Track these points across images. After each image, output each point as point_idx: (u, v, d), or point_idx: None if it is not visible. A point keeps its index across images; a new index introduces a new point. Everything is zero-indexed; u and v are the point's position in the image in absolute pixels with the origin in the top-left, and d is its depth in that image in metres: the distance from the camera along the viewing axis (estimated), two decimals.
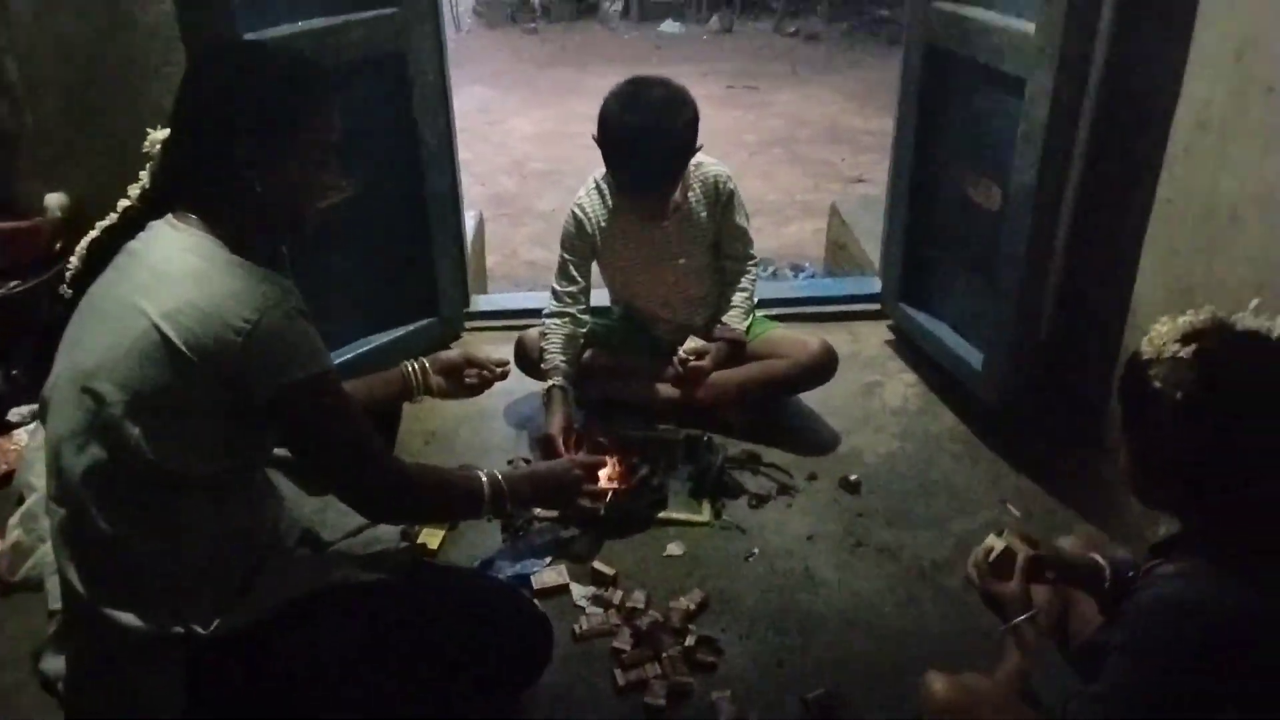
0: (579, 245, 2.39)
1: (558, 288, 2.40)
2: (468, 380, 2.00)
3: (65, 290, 1.49)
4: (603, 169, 2.33)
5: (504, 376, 2.05)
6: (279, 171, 1.40)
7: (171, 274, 1.34)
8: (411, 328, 2.69)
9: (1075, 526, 2.09)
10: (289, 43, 2.14)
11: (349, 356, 2.52)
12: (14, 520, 2.01)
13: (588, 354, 2.46)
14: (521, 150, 6.00)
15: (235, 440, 1.40)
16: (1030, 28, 2.05)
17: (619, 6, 8.84)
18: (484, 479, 1.61)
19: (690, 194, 2.36)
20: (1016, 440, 2.35)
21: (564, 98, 6.95)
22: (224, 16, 2.02)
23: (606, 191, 2.37)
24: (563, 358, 2.34)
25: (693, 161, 2.29)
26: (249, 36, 2.07)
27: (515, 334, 2.67)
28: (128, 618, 1.38)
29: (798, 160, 5.72)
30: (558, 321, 2.37)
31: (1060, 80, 2.00)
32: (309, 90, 1.43)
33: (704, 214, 2.39)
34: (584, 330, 2.41)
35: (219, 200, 1.40)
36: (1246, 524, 1.23)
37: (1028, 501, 2.20)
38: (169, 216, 1.41)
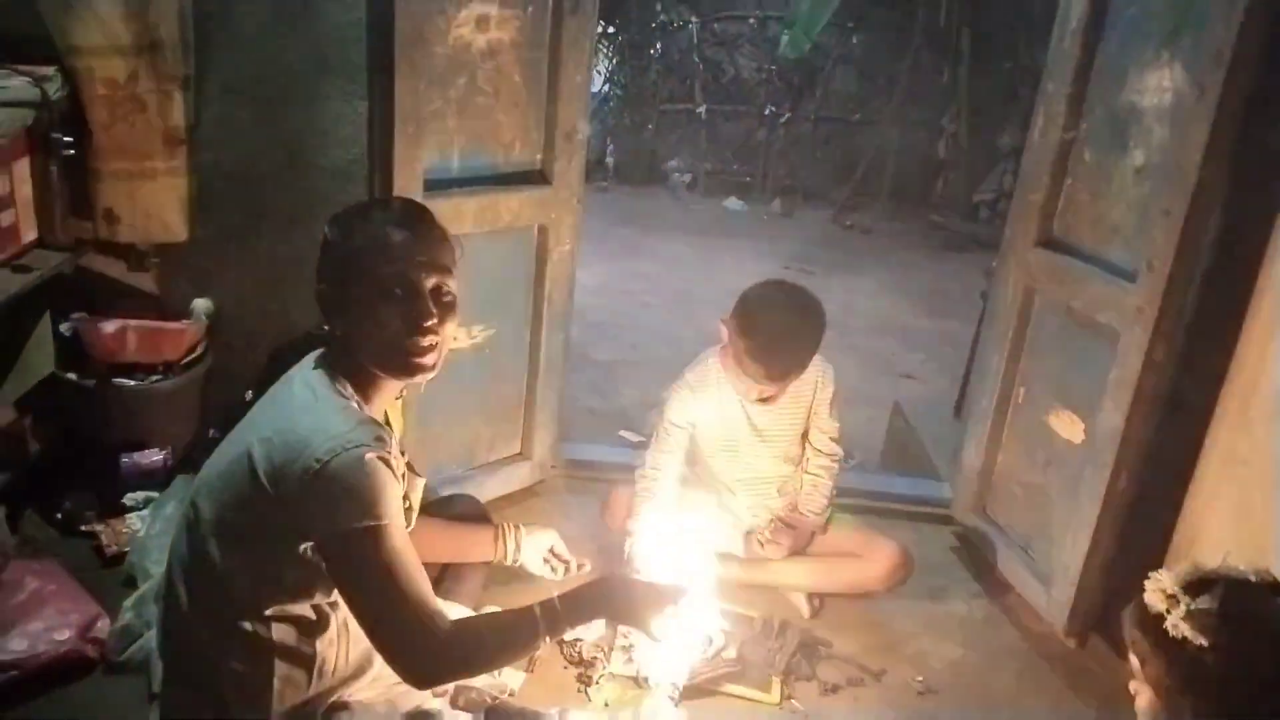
0: (680, 419, 2.53)
1: (657, 454, 2.54)
2: (548, 562, 2.04)
3: (250, 395, 1.63)
4: (709, 350, 2.51)
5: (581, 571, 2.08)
6: (345, 316, 1.48)
7: (278, 403, 1.46)
8: (505, 470, 2.83)
9: None
10: (461, 210, 2.37)
11: (450, 491, 2.65)
12: (128, 603, 2.12)
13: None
14: (584, 301, 6.20)
15: (299, 578, 1.45)
16: (1130, 287, 2.26)
17: (687, 178, 9.31)
18: (537, 611, 1.53)
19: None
20: (1081, 670, 2.42)
21: (627, 256, 7.25)
22: (410, 175, 2.26)
23: (718, 370, 2.52)
24: (653, 519, 2.46)
25: None
26: (428, 198, 2.30)
27: (592, 484, 2.82)
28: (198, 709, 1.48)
29: (849, 348, 5.90)
30: (650, 486, 2.50)
31: (1155, 339, 2.19)
32: (366, 244, 1.47)
33: (800, 403, 2.54)
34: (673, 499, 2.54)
35: (339, 335, 1.51)
36: None
37: None
38: (318, 352, 1.53)
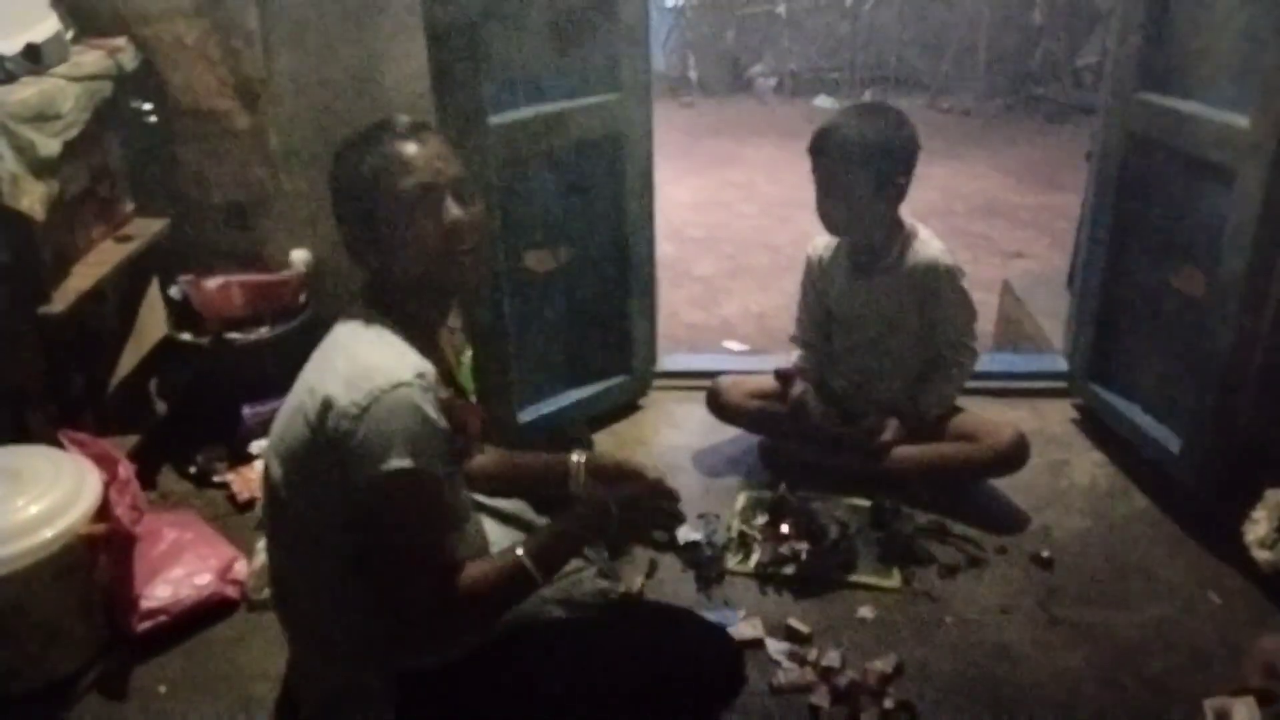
0: (805, 286, 2.62)
1: (799, 323, 2.67)
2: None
3: None
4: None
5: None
6: (377, 247, 1.46)
7: (328, 350, 1.46)
8: (606, 384, 2.85)
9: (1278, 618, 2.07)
10: (528, 125, 2.36)
11: (549, 410, 2.70)
12: (261, 544, 2.22)
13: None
14: (680, 217, 6.19)
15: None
16: (1244, 121, 2.09)
17: (773, 82, 9.04)
18: (521, 556, 1.47)
19: (901, 266, 2.44)
20: (1217, 528, 2.30)
21: (719, 168, 7.14)
22: (474, 100, 2.24)
23: (839, 241, 2.53)
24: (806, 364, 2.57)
25: (921, 235, 2.44)
26: (494, 119, 2.29)
27: (697, 394, 2.81)
28: (325, 665, 1.52)
29: (956, 233, 5.71)
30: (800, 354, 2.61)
31: (1274, 173, 2.02)
32: (381, 165, 1.43)
33: (912, 289, 2.45)
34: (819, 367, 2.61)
35: (376, 268, 1.48)
36: None
37: (1229, 591, 2.16)
38: (361, 300, 1.51)
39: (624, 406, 2.93)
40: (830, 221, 2.41)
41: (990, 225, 5.91)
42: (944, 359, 2.51)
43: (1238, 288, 2.15)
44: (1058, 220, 5.44)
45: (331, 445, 1.35)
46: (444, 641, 1.49)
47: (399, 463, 1.32)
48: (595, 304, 2.76)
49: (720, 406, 2.62)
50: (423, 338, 1.51)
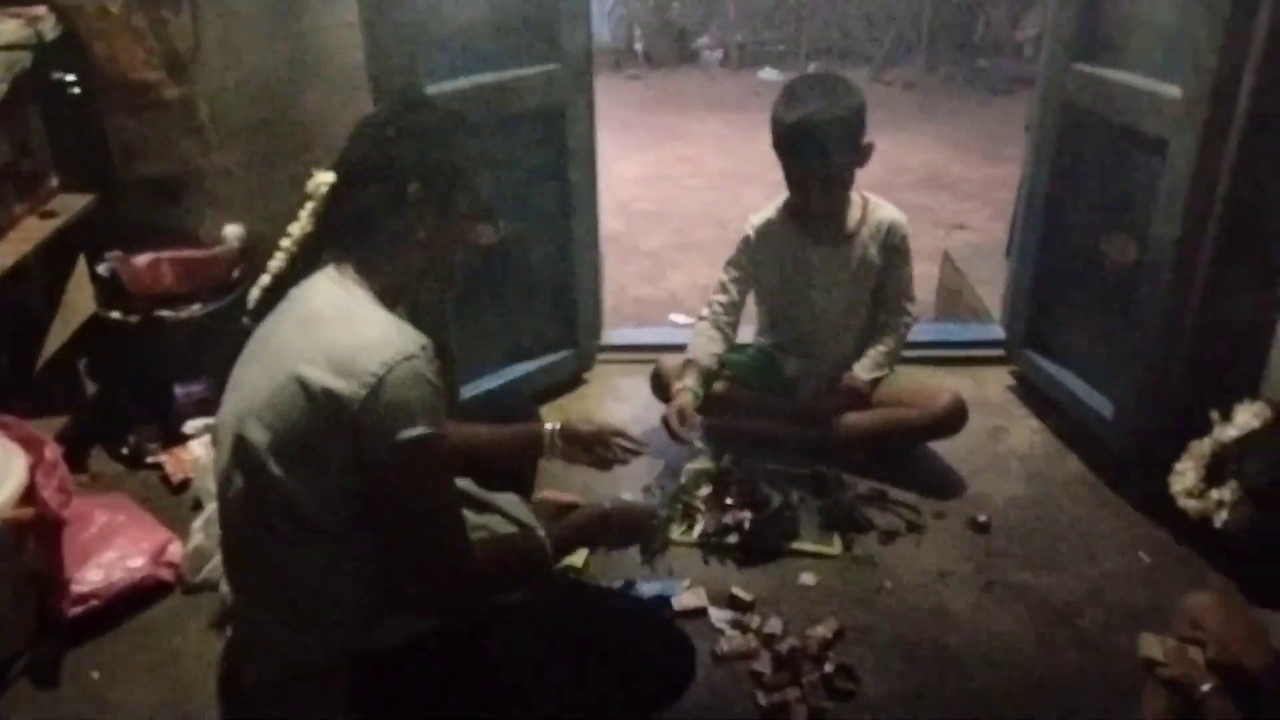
0: (742, 261, 2.55)
1: (712, 298, 2.57)
2: (602, 454, 2.05)
3: (247, 322, 1.55)
4: (782, 197, 2.47)
5: (638, 455, 2.09)
6: (444, 224, 1.47)
7: (317, 324, 1.40)
8: (550, 359, 2.83)
9: (1207, 576, 2.13)
10: (465, 95, 2.31)
11: (494, 385, 2.68)
12: (196, 525, 2.18)
13: (721, 386, 2.56)
14: (627, 192, 6.16)
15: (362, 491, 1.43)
16: (1175, 90, 2.13)
17: (719, 54, 9.02)
18: (546, 542, 1.58)
19: (864, 229, 2.46)
20: (1148, 490, 2.35)
21: (667, 141, 7.12)
22: (409, 70, 2.20)
23: (782, 213, 2.50)
24: (702, 354, 2.49)
25: (873, 199, 2.46)
26: (430, 89, 2.25)
27: (642, 367, 2.81)
28: (283, 640, 1.47)
29: (899, 206, 5.77)
30: (705, 325, 2.55)
31: (1204, 142, 2.06)
32: (480, 153, 1.53)
33: (872, 253, 2.47)
34: (727, 341, 2.55)
35: (380, 246, 1.46)
36: None
37: (1159, 549, 2.23)
38: (329, 268, 1.46)
39: (569, 381, 2.93)
40: (814, 208, 2.41)
41: (933, 197, 5.97)
42: (884, 323, 2.54)
43: (1168, 255, 2.20)
44: (999, 191, 5.50)
45: (339, 418, 1.34)
46: (458, 602, 1.49)
47: (419, 429, 1.35)
48: (539, 278, 2.74)
49: (664, 388, 2.61)
50: (402, 313, 1.51)
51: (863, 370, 2.52)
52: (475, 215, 1.52)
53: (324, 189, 1.48)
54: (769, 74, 8.58)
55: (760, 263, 2.54)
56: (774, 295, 2.60)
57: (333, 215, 1.48)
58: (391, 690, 1.49)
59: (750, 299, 2.65)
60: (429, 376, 1.37)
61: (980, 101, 7.86)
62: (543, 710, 1.55)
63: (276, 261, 1.51)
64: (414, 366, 1.35)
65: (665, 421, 2.39)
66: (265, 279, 1.52)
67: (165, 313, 2.55)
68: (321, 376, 1.34)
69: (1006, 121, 6.92)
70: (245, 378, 1.45)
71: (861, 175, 2.44)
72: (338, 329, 1.38)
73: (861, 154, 2.35)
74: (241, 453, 1.40)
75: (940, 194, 6.04)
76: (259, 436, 1.38)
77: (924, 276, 4.40)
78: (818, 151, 2.27)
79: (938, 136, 7.11)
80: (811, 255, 2.49)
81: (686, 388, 2.43)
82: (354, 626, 1.46)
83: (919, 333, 3.31)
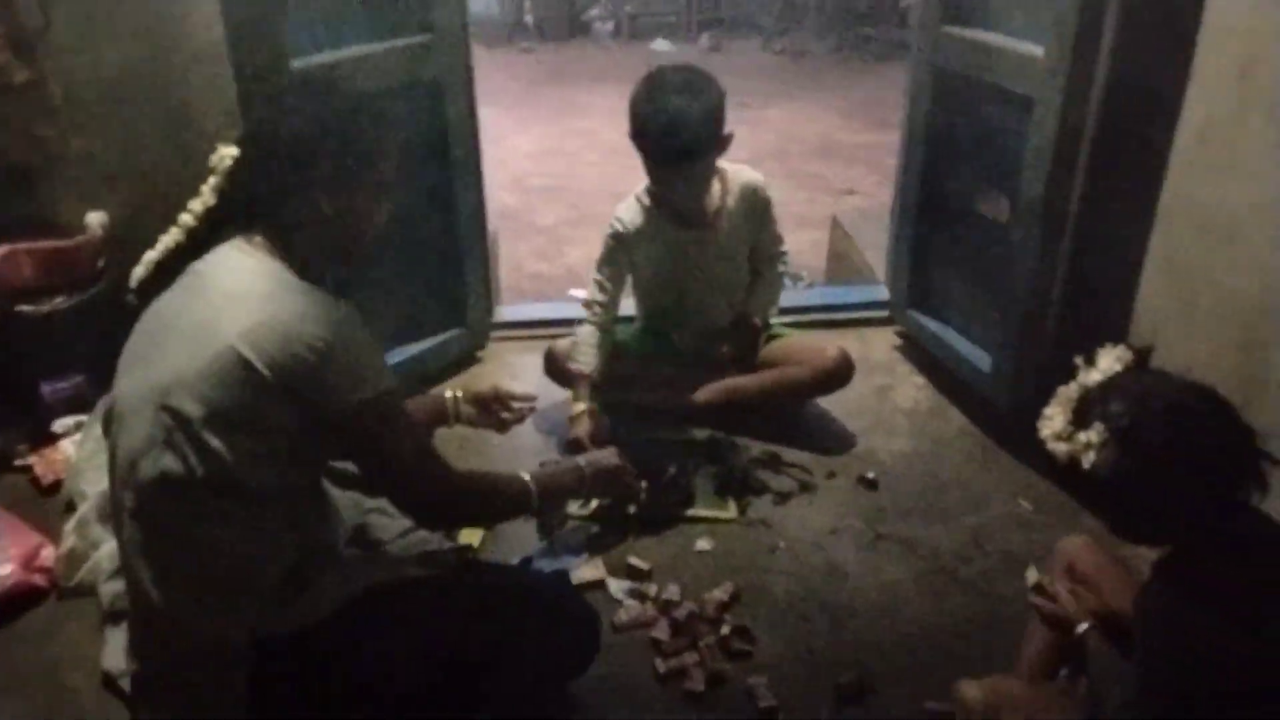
0: (616, 257, 2.49)
1: (590, 298, 2.51)
2: (502, 415, 2.13)
3: (132, 300, 1.53)
4: (643, 184, 2.44)
5: (533, 410, 2.23)
6: (350, 199, 1.49)
7: (245, 296, 1.40)
8: (440, 338, 2.78)
9: (1081, 519, 2.22)
10: (334, 69, 2.24)
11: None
12: (69, 527, 2.09)
13: (613, 361, 2.56)
14: (521, 167, 6.11)
15: (304, 454, 1.46)
16: (1039, 51, 2.18)
17: (610, 26, 8.98)
18: (529, 479, 1.71)
19: (729, 199, 2.46)
20: (1026, 439, 2.43)
21: (561, 115, 7.07)
22: (274, 42, 2.12)
23: (647, 203, 2.47)
24: (591, 366, 2.45)
25: (731, 169, 2.43)
26: (296, 64, 2.17)
27: (537, 343, 2.79)
28: (199, 625, 1.45)
29: (791, 174, 5.85)
30: (588, 330, 2.48)
31: (1068, 99, 2.13)
32: (384, 129, 1.54)
33: (742, 221, 2.48)
34: (611, 339, 2.51)
35: (288, 223, 1.47)
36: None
37: (1039, 496, 2.31)
38: (236, 240, 1.47)
39: (462, 360, 2.88)
40: (675, 200, 2.41)
41: (824, 164, 6.08)
42: (761, 272, 2.58)
43: (1038, 211, 2.26)
44: (887, 157, 5.56)
45: (284, 388, 1.36)
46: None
47: (376, 386, 1.42)
48: (423, 256, 2.68)
49: (557, 371, 2.59)
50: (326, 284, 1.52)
51: (752, 309, 2.56)
52: (382, 191, 1.53)
53: (228, 163, 1.49)
54: (661, 45, 8.60)
55: (634, 257, 2.50)
56: (652, 282, 2.58)
57: (239, 190, 1.49)
58: (294, 675, 1.47)
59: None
60: (368, 338, 1.44)
61: (867, 69, 8.02)
62: (449, 689, 1.55)
63: (171, 236, 1.51)
64: (355, 331, 1.41)
65: (575, 444, 2.34)
66: (153, 254, 1.51)
67: (26, 307, 2.43)
68: (265, 348, 1.35)
69: (893, 87, 7.05)
70: (160, 354, 1.42)
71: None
72: (272, 302, 1.39)
73: (720, 145, 2.33)
74: (169, 426, 1.38)
75: (831, 161, 6.15)
76: (193, 408, 1.36)
77: (818, 243, 4.49)
78: (676, 148, 2.24)
79: (828, 105, 7.23)
80: (683, 240, 2.47)
81: (584, 410, 2.40)
82: (269, 606, 1.45)
83: (808, 297, 3.38)
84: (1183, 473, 1.30)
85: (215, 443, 1.37)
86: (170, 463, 1.38)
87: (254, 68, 2.09)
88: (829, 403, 2.62)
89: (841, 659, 1.89)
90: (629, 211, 2.48)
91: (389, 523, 1.85)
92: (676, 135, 2.22)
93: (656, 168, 2.33)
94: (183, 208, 1.51)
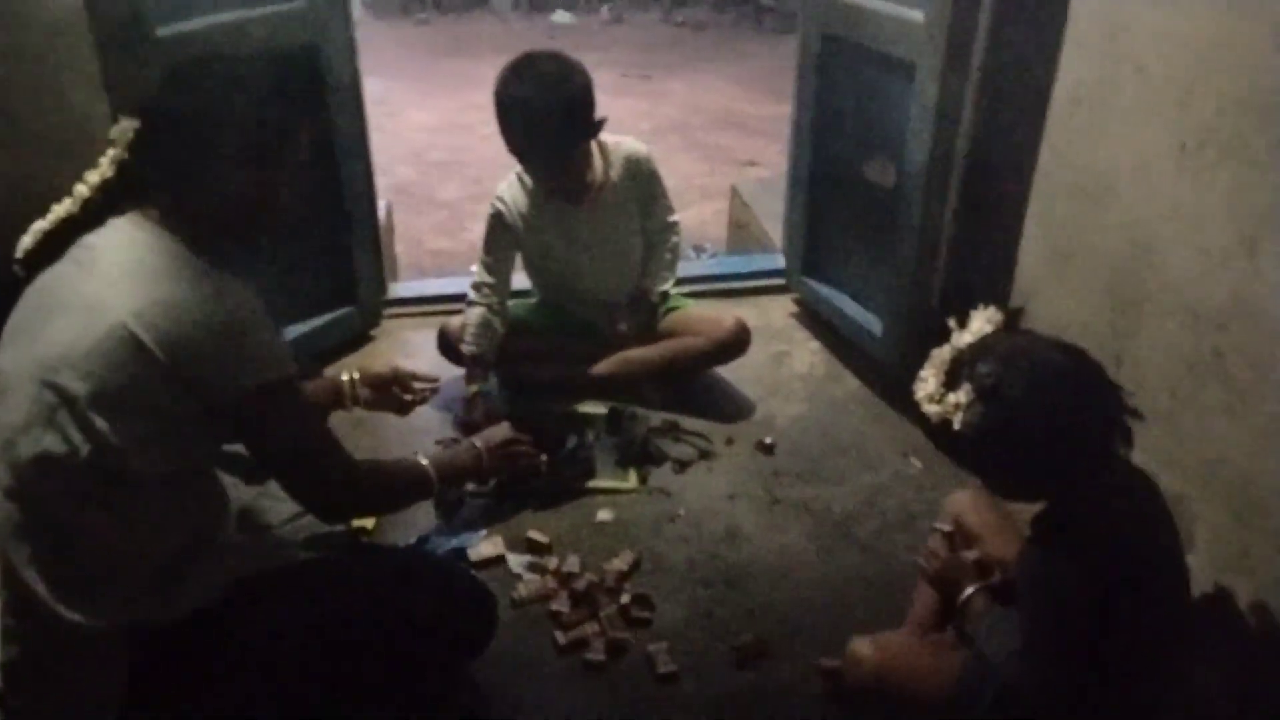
0: (500, 238, 2.45)
1: (478, 280, 2.47)
2: (403, 397, 2.08)
3: (19, 270, 1.48)
4: (518, 166, 2.40)
5: (435, 393, 2.17)
6: (259, 174, 1.44)
7: (139, 273, 1.36)
8: (331, 316, 2.71)
9: (969, 478, 2.27)
10: (201, 37, 2.15)
11: None
12: None
13: (509, 338, 2.53)
14: (420, 140, 5.99)
15: (195, 438, 1.42)
16: (919, 15, 2.21)
17: None
18: (427, 465, 1.69)
19: (612, 173, 2.44)
20: (914, 400, 2.51)
21: (460, 88, 6.94)
22: (136, 9, 2.02)
23: (528, 181, 2.42)
24: (482, 348, 2.42)
25: (612, 142, 2.40)
26: (162, 32, 2.07)
27: (433, 319, 2.74)
28: (78, 612, 1.39)
29: (693, 146, 5.87)
30: (477, 313, 2.44)
31: (948, 63, 2.16)
32: (293, 101, 1.51)
33: (627, 194, 2.46)
34: (503, 320, 2.48)
35: (188, 198, 1.42)
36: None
37: (928, 455, 2.37)
38: (132, 214, 1.42)
39: (354, 339, 2.82)
40: (544, 183, 2.38)
41: (726, 136, 6.10)
42: (655, 242, 2.57)
43: (921, 176, 2.30)
44: (788, 127, 5.65)
45: (175, 370, 1.32)
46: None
47: (273, 369, 1.39)
48: (310, 233, 2.60)
49: (451, 350, 2.54)
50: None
51: (647, 283, 2.56)
52: (291, 166, 1.49)
53: (129, 135, 1.45)
54: (561, 17, 8.51)
55: (519, 236, 2.46)
56: (541, 259, 2.55)
57: (138, 164, 1.45)
58: (177, 664, 1.44)
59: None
60: (265, 319, 1.40)
61: (766, 40, 8.07)
62: (343, 675, 1.53)
63: (64, 207, 1.46)
64: (251, 314, 1.37)
65: (469, 427, 2.31)
66: (43, 224, 1.46)
67: None
68: (157, 327, 1.31)
69: (792, 59, 7.05)
70: (46, 328, 1.36)
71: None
72: (167, 280, 1.35)
73: (591, 132, 2.30)
74: (52, 404, 1.33)
75: (733, 132, 6.18)
76: (79, 386, 1.31)
77: (720, 215, 4.52)
78: (537, 136, 2.21)
79: (729, 76, 7.25)
80: (567, 216, 2.44)
81: (479, 390, 2.39)
82: (151, 593, 1.41)
83: (707, 267, 3.39)
84: (1046, 431, 1.33)
85: (100, 423, 1.31)
86: (51, 442, 1.33)
87: (116, 38, 1.99)
88: (727, 371, 2.64)
89: (740, 621, 1.91)
90: (510, 190, 2.45)
91: (277, 506, 1.80)
92: (535, 130, 2.20)
93: (520, 159, 2.31)
94: (61, 180, 1.46)
